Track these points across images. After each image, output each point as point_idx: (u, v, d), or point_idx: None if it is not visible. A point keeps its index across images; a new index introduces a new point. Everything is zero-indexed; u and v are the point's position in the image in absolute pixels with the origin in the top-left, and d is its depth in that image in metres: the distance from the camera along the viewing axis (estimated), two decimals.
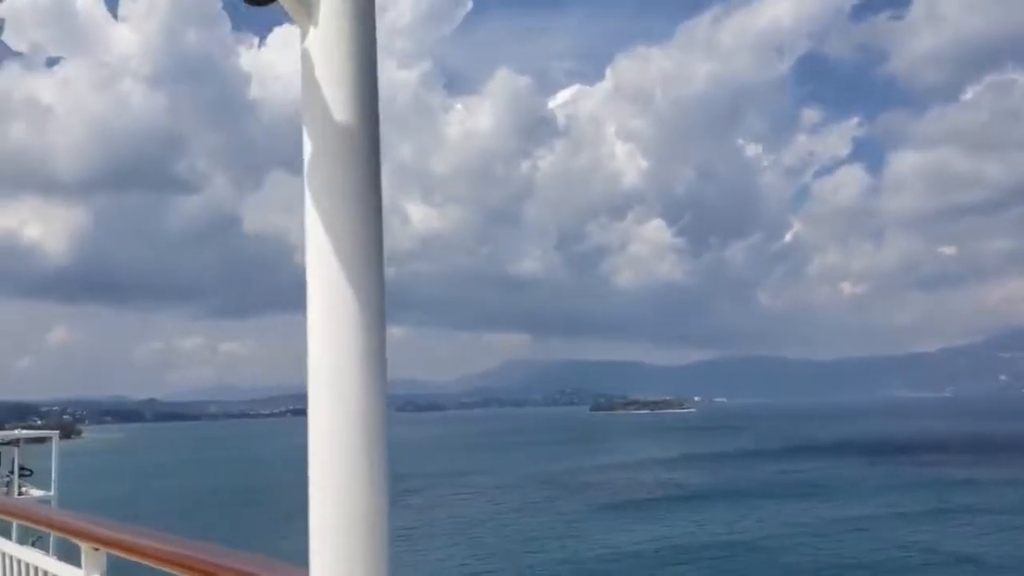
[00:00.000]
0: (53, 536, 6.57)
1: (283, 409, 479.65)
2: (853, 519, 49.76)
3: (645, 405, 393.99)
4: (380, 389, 1.52)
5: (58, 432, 12.94)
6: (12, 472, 12.01)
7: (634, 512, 55.11)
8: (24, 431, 13.77)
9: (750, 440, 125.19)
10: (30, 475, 12.31)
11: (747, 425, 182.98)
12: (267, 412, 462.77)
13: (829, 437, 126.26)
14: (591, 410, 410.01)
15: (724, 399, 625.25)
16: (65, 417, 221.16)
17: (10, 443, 12.40)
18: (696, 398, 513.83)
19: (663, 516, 53.01)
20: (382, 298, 1.59)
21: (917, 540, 43.06)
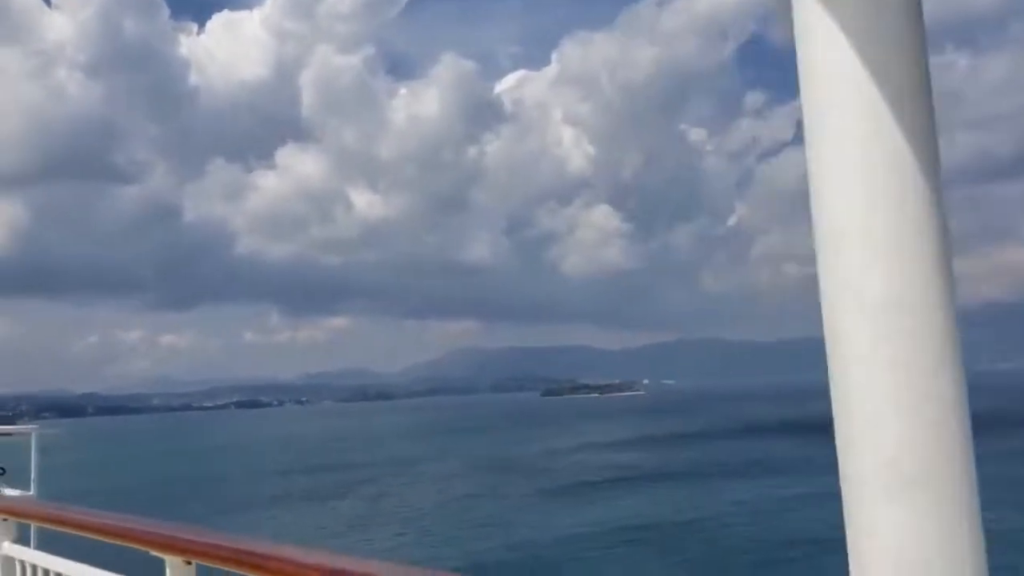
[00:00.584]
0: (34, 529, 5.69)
1: (226, 401, 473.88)
2: (803, 496, 49.53)
3: (594, 389, 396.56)
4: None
5: (38, 427, 12.24)
6: None
7: (585, 494, 54.47)
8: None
9: (699, 421, 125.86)
10: (2, 473, 11.16)
11: (695, 406, 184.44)
12: (211, 404, 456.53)
13: (777, 417, 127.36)
14: (542, 395, 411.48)
15: (672, 381, 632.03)
16: (4, 413, 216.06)
17: None
18: (644, 381, 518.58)
19: (614, 498, 52.45)
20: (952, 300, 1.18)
21: None
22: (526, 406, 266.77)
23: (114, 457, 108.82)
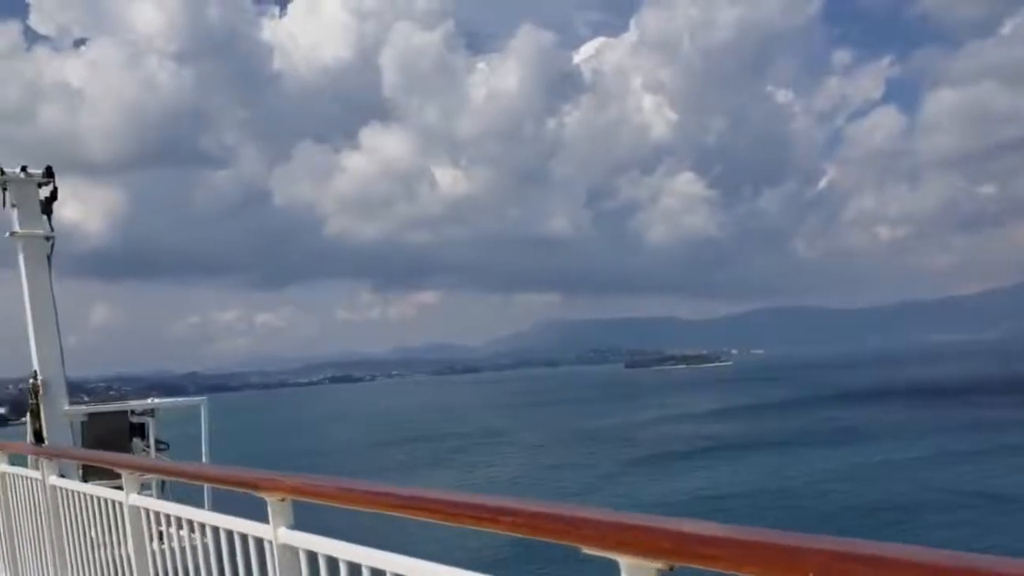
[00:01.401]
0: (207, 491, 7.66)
1: (321, 377, 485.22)
2: (897, 463, 49.49)
3: (681, 360, 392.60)
4: None
5: (206, 399, 12.55)
6: (149, 446, 11.42)
7: (672, 464, 55.18)
8: (164, 400, 12.73)
9: (789, 390, 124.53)
10: (166, 448, 11.59)
11: (785, 376, 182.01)
12: (306, 380, 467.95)
13: (870, 384, 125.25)
14: (626, 367, 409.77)
15: (761, 351, 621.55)
16: (111, 393, 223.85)
17: (144, 413, 11.66)
18: (732, 351, 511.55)
19: (701, 467, 53.05)
20: None
21: (963, 480, 42.71)
22: (611, 378, 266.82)
23: (231, 430, 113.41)
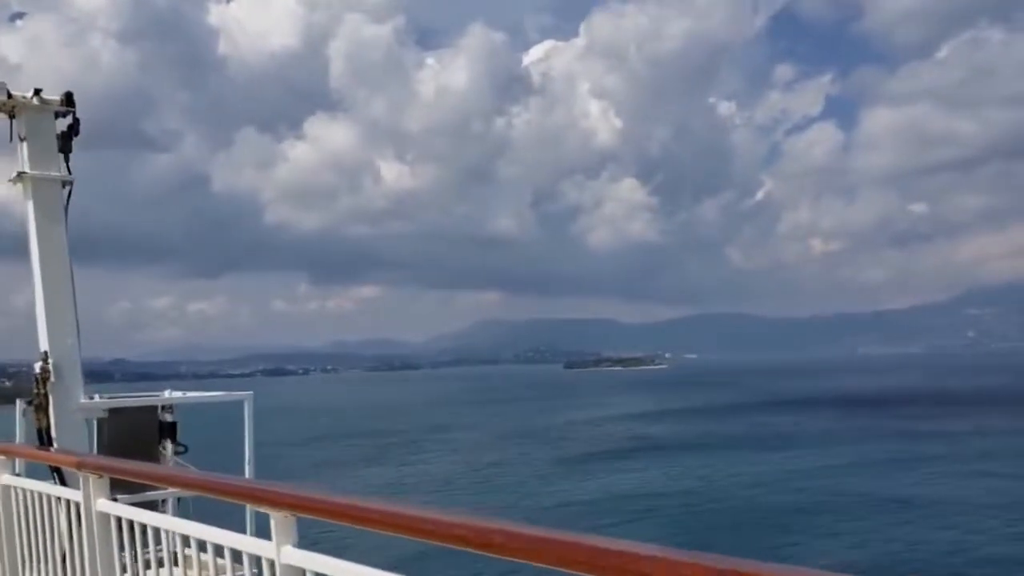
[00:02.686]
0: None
1: (252, 369, 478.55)
2: (822, 468, 50.74)
3: (618, 362, 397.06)
4: None
5: (251, 394, 6.75)
6: (155, 441, 8.98)
7: (607, 463, 55.83)
8: (201, 394, 9.60)
9: (721, 395, 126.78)
10: (184, 452, 8.99)
11: (718, 381, 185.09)
12: (237, 372, 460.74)
13: (799, 392, 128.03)
14: (565, 367, 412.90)
15: (695, 356, 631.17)
16: (33, 375, 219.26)
17: (146, 408, 8.96)
18: (667, 355, 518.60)
19: (632, 468, 53.80)
20: None
21: (877, 486, 44.06)
22: (550, 377, 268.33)
23: None
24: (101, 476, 5.24)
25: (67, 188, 8.28)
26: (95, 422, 8.32)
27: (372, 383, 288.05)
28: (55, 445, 7.65)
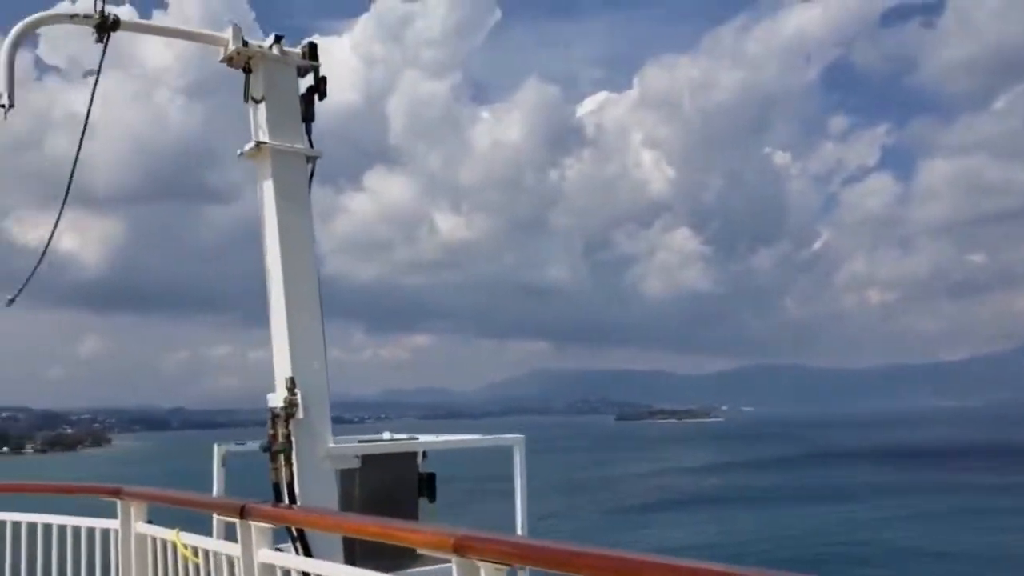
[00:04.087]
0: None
1: None
2: (880, 520, 50.20)
3: (671, 414, 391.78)
4: None
5: (522, 437, 6.48)
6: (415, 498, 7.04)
7: (664, 515, 55.74)
8: (465, 436, 7.82)
9: (779, 448, 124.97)
10: (431, 501, 6.98)
11: (775, 433, 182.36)
12: None
13: (856, 445, 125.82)
14: (616, 419, 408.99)
15: (751, 408, 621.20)
16: (95, 425, 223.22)
17: (405, 455, 7.03)
18: (723, 407, 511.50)
19: (692, 520, 53.59)
20: None
21: (945, 538, 43.47)
22: (601, 429, 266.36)
23: (193, 469, 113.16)
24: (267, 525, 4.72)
25: (311, 164, 6.36)
26: (337, 473, 6.27)
27: (423, 431, 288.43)
28: (298, 503, 5.68)
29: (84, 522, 5.94)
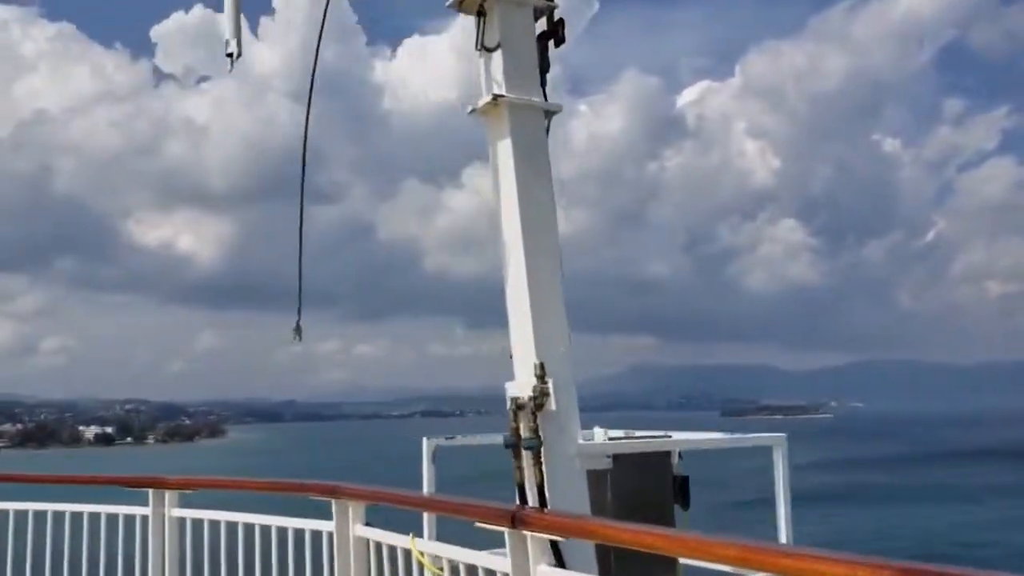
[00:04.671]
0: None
1: (412, 411, 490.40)
2: (998, 522, 48.42)
3: (778, 410, 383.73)
4: None
5: (785, 436, 6.21)
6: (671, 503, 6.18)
7: (769, 512, 54.80)
8: (720, 435, 7.30)
9: (893, 445, 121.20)
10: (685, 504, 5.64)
11: (889, 431, 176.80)
12: (397, 413, 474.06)
13: (973, 443, 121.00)
14: (720, 415, 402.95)
15: (861, 404, 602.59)
16: (211, 417, 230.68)
17: (659, 455, 6.33)
18: (832, 403, 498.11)
19: (805, 519, 52.56)
20: None
21: None
22: (706, 425, 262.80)
23: (303, 461, 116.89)
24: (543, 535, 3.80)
25: (549, 120, 5.68)
26: (592, 473, 5.49)
27: None
28: (548, 507, 4.94)
29: (296, 523, 5.33)
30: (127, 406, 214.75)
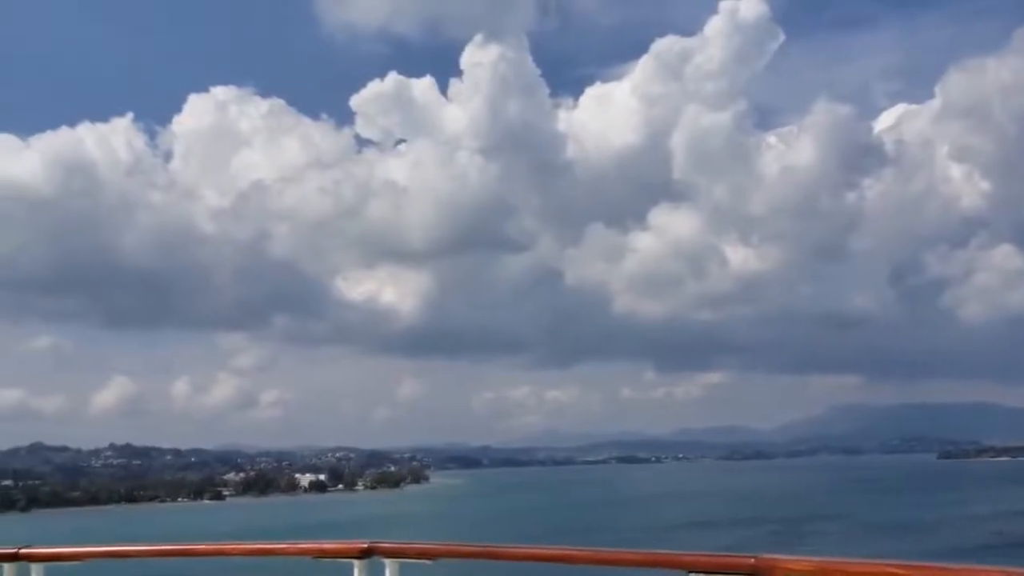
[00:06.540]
0: None
1: (606, 456, 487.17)
2: None
3: (1004, 451, 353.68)
4: None
5: None
6: None
7: (999, 559, 50.93)
8: None
9: None
10: None
11: None
12: (591, 459, 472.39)
13: None
14: (938, 458, 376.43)
15: None
16: (414, 463, 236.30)
17: None
18: None
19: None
20: None
21: None
22: (922, 468, 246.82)
23: (518, 506, 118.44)
24: None
25: None
26: None
27: (729, 472, 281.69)
28: None
29: None
30: (338, 454, 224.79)
